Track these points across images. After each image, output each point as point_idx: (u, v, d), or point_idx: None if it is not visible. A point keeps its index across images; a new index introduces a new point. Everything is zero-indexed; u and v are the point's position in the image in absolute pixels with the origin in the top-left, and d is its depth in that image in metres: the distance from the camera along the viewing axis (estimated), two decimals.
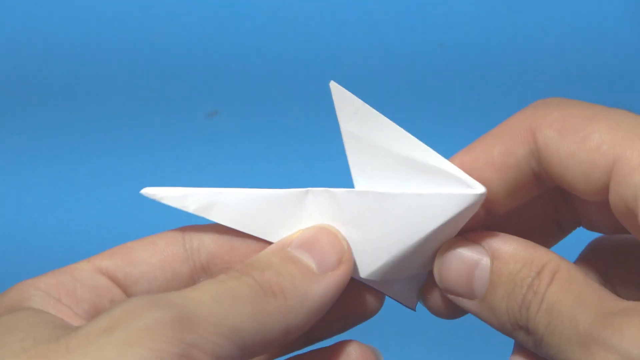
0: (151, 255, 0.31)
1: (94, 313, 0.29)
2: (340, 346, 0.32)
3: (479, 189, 0.29)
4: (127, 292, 0.31)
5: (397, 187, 0.30)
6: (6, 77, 0.72)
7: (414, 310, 0.33)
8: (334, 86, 0.30)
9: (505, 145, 0.30)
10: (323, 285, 0.30)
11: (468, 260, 0.30)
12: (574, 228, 0.34)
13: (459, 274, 0.30)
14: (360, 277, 0.32)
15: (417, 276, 0.33)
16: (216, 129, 0.70)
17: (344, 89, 0.30)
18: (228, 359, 0.26)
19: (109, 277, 0.31)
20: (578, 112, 0.29)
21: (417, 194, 0.30)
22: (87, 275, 0.30)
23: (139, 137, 0.69)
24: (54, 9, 0.74)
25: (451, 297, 0.31)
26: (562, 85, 0.71)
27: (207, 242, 0.32)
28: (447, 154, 0.31)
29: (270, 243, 0.31)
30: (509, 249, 0.30)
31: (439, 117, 0.69)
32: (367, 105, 0.30)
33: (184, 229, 0.32)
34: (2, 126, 0.70)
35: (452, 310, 0.32)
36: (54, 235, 0.65)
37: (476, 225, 0.31)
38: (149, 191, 0.32)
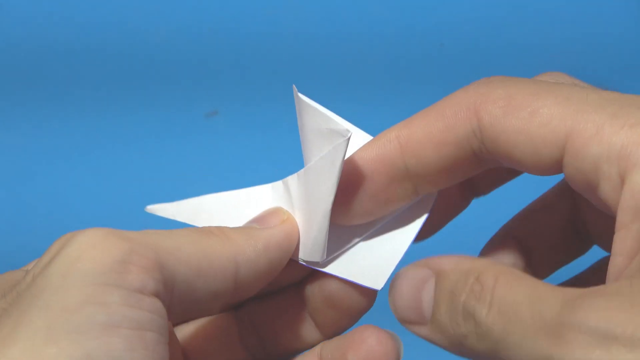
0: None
1: None
2: (358, 332, 0.32)
3: (345, 133, 0.29)
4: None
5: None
6: (6, 77, 0.72)
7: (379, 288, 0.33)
8: (295, 90, 0.31)
9: (446, 122, 0.30)
10: (266, 230, 0.31)
11: (415, 284, 0.28)
12: (591, 245, 0.33)
13: (409, 301, 0.29)
14: (301, 260, 0.32)
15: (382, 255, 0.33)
16: (216, 128, 0.70)
17: (303, 95, 0.31)
18: (173, 275, 0.27)
19: None
20: (523, 89, 0.28)
21: (319, 159, 0.30)
22: None
23: (139, 137, 0.69)
24: (54, 8, 0.74)
25: (409, 327, 0.29)
26: None
27: None
28: None
29: None
30: (451, 265, 0.28)
31: None
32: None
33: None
34: (2, 126, 0.70)
35: None
36: (53, 234, 0.64)
37: (402, 200, 0.31)
38: (153, 208, 0.35)
